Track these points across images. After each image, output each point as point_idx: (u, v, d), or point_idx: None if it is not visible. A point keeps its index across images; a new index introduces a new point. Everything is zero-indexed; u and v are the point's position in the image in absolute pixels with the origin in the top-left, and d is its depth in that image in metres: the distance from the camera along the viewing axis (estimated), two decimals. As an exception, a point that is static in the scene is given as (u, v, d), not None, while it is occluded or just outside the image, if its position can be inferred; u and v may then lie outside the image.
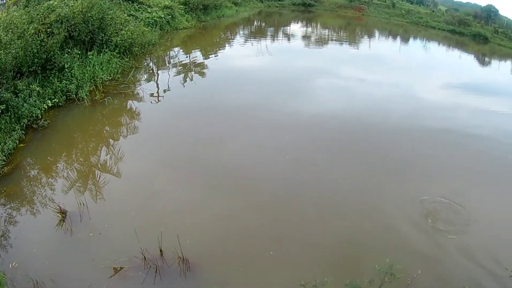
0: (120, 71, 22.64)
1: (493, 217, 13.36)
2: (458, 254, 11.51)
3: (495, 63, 45.99)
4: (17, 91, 16.88)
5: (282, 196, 13.46)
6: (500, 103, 27.27)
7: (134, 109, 19.14)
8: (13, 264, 10.28)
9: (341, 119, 20.08)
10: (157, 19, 32.27)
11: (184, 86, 23.24)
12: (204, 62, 27.91)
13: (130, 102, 19.92)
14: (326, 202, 13.37)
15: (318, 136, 18.01)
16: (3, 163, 13.81)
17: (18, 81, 17.32)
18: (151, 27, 30.15)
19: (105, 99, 19.30)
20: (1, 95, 15.82)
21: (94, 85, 20.03)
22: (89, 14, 22.04)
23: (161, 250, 10.64)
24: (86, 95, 19.01)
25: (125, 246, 10.77)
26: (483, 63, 45.13)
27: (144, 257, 10.40)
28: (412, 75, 32.51)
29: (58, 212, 11.73)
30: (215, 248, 11.09)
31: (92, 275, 10.13)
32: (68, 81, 19.30)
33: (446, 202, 13.79)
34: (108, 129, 17.52)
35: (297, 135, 17.79)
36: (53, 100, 18.24)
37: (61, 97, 18.72)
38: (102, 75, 20.81)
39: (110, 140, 16.47)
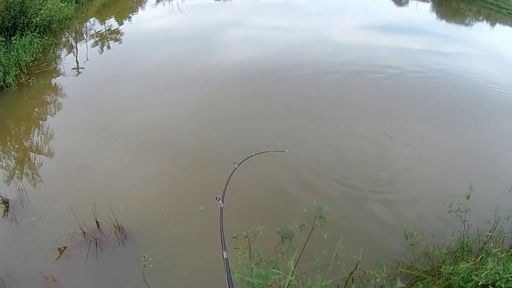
0: (41, 50, 20.93)
1: (425, 153, 13.45)
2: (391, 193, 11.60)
3: (412, 3, 44.59)
4: None
5: (204, 149, 12.93)
6: (418, 41, 27.04)
7: (58, 85, 17.85)
8: None
9: (256, 67, 19.56)
10: (73, -8, 29.97)
11: (101, 55, 21.85)
12: (119, 28, 26.36)
13: (53, 79, 18.53)
14: (245, 148, 12.90)
15: (234, 86, 17.48)
16: None
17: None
18: (67, 2, 28.04)
19: (30, 80, 17.78)
20: None
21: (19, 68, 18.43)
22: (10, 0, 20.17)
23: (97, 222, 10.02)
24: (13, 80, 17.47)
25: (65, 224, 10.02)
26: (400, 3, 43.88)
27: (83, 232, 9.77)
28: (326, 19, 31.62)
29: (0, 203, 10.78)
30: (147, 211, 10.58)
31: (41, 260, 9.42)
32: (-5, 68, 17.55)
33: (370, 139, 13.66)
34: (36, 110, 16.25)
35: (213, 88, 17.16)
36: (-20, 91, 16.59)
37: (-11, 85, 16.99)
38: (25, 57, 19.15)
39: (39, 121, 15.27)
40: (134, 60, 20.47)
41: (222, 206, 6.10)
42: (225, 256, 5.01)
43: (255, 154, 8.75)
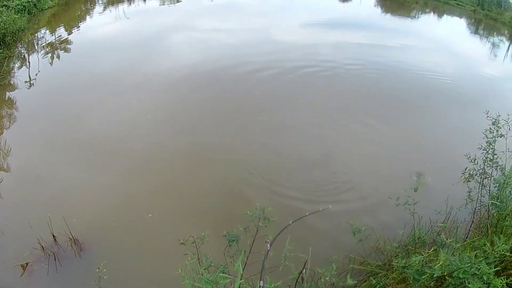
0: (-6, 63, 20.18)
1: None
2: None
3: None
4: None
5: (151, 154, 13.00)
6: (361, 36, 26.77)
7: (12, 99, 17.35)
8: None
9: (199, 70, 19.52)
10: (25, 4, 28.86)
11: (52, 66, 21.27)
12: (68, 37, 25.66)
13: (7, 93, 17.98)
14: (192, 152, 13.05)
15: (177, 91, 17.48)
16: None
17: None
18: (21, 13, 27.06)
19: (-17, 95, 17.28)
20: None
21: (-28, 85, 17.87)
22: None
23: (53, 236, 9.85)
24: (-34, 97, 16.97)
25: (25, 240, 9.81)
26: (343, -1, 41.76)
27: (42, 246, 9.59)
28: (270, 19, 31.14)
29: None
30: (100, 221, 10.49)
31: (7, 278, 9.18)
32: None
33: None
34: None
35: (156, 94, 17.14)
36: None
37: None
38: (-21, 72, 18.58)
39: None
40: (83, 69, 20.10)
41: (269, 249, 6.07)
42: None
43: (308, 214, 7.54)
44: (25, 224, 9.95)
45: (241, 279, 5.72)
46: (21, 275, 9.20)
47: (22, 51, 24.11)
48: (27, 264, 9.36)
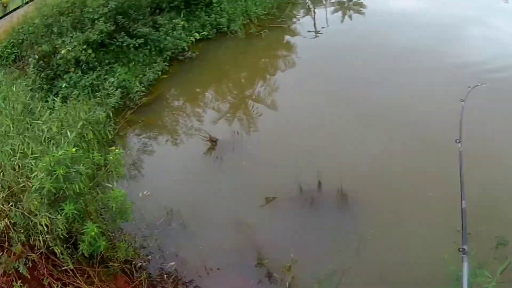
0: (275, 6, 22.78)
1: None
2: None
3: None
4: (158, 26, 18.14)
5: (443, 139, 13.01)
6: None
7: (291, 43, 19.35)
8: (145, 192, 11.37)
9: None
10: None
11: (342, 24, 22.79)
12: (362, 1, 27.03)
13: (287, 36, 20.20)
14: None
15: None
16: (142, 93, 14.85)
17: (158, 16, 18.63)
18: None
19: (262, 32, 19.69)
20: (138, 30, 17.10)
21: (248, 19, 20.62)
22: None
23: (319, 182, 11.10)
24: (240, 28, 19.62)
25: (280, 177, 11.43)
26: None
27: (301, 188, 10.97)
28: None
29: (207, 140, 12.60)
30: (374, 184, 11.31)
31: (241, 203, 11.00)
32: (218, 15, 20.13)
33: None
34: (263, 61, 18.04)
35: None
36: (201, 33, 19.29)
37: (210, 30, 19.69)
38: (256, 9, 21.03)
39: (265, 72, 17.04)
40: (375, 38, 20.78)
41: (460, 149, 6.37)
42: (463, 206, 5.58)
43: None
44: (284, 163, 11.72)
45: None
46: (262, 205, 10.92)
47: (307, 1, 26.22)
48: (273, 198, 11.06)
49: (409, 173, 11.65)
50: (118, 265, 10.04)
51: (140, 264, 10.36)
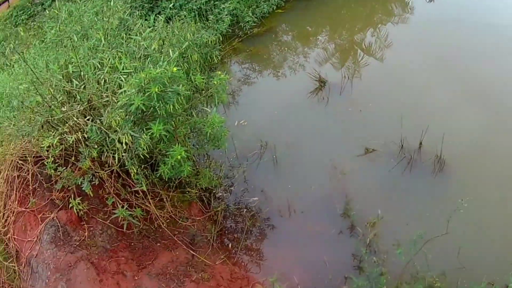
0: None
1: None
2: None
3: None
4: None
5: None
6: None
7: (407, 1, 18.06)
8: (242, 122, 11.35)
9: None
10: None
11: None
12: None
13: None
14: None
15: None
16: (254, 24, 14.41)
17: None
18: None
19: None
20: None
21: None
22: None
23: (420, 143, 10.73)
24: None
25: (383, 130, 11.13)
26: None
27: (402, 145, 10.66)
28: None
29: (317, 80, 12.27)
30: (474, 155, 10.74)
31: (339, 149, 10.79)
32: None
33: None
34: (378, 14, 17.20)
35: None
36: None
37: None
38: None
39: (378, 25, 16.27)
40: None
41: None
42: None
43: None
44: (390, 117, 11.32)
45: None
46: (360, 155, 10.75)
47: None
48: (373, 150, 10.85)
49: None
50: (196, 192, 10.00)
51: (221, 194, 10.39)
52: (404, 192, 10.23)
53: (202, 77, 9.16)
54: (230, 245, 9.98)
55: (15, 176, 10.09)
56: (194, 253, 9.45)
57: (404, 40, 15.14)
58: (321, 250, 9.52)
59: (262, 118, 11.80)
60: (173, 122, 8.71)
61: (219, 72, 9.39)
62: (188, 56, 9.74)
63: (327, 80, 12.34)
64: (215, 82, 9.03)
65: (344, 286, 8.90)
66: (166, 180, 9.12)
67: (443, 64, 13.97)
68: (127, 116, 8.35)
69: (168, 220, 9.63)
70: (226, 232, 10.22)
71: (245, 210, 10.28)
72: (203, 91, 9.53)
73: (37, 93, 9.18)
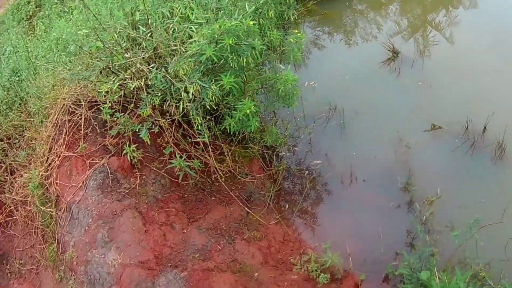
0: None
1: None
2: None
3: None
4: None
5: None
6: None
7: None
8: (312, 83, 11.09)
9: None
10: None
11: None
12: None
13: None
14: None
15: None
16: None
17: None
18: None
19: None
20: None
21: None
22: None
23: (485, 128, 10.51)
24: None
25: (450, 109, 10.97)
26: None
27: (467, 127, 10.49)
28: None
29: (390, 50, 12.14)
30: None
31: (406, 122, 10.67)
32: None
33: None
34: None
35: None
36: None
37: None
38: None
39: (449, 4, 15.51)
40: None
41: None
42: None
43: None
44: (458, 97, 11.23)
45: None
46: (426, 130, 10.62)
47: None
48: (439, 127, 10.71)
49: None
50: (259, 149, 9.95)
51: (284, 153, 10.37)
52: (463, 175, 10.08)
53: (278, 34, 8.96)
54: (286, 206, 9.89)
55: (65, 120, 9.99)
56: (249, 211, 9.38)
57: (476, 23, 14.63)
58: (377, 222, 9.38)
59: (332, 82, 11.69)
60: (244, 76, 8.54)
61: (296, 31, 9.26)
62: (263, 12, 9.52)
63: (400, 51, 12.21)
64: (292, 40, 8.88)
65: (394, 262, 8.75)
66: (230, 133, 9.01)
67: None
68: (196, 66, 8.14)
69: (226, 175, 9.52)
70: (284, 193, 10.16)
71: (306, 172, 10.19)
72: (277, 48, 9.31)
73: (98, 39, 9.01)
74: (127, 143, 9.09)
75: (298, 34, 9.05)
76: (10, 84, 12.92)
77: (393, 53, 12.17)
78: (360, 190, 9.97)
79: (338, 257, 8.39)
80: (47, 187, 9.99)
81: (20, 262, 10.32)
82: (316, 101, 11.10)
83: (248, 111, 8.12)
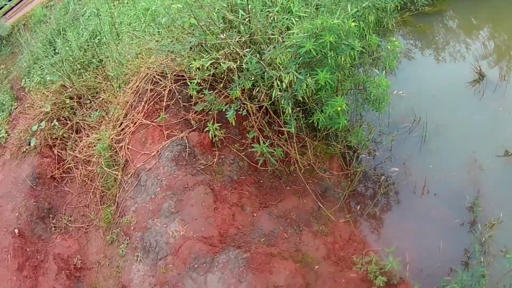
0: None
1: None
2: None
3: None
4: None
5: None
6: None
7: None
8: (400, 92, 11.13)
9: None
10: None
11: None
12: None
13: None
14: None
15: None
16: (426, 2, 14.13)
17: None
18: None
19: None
20: None
21: None
22: None
23: None
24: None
25: None
26: None
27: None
28: None
29: (476, 72, 12.01)
30: None
31: (481, 144, 10.53)
32: None
33: None
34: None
35: None
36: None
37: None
38: None
39: None
40: None
41: None
42: None
43: None
44: None
45: None
46: (499, 156, 10.40)
47: None
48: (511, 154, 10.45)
49: None
50: (341, 148, 10.05)
51: (364, 156, 10.39)
52: None
53: (378, 39, 9.15)
54: (358, 208, 10.03)
55: (147, 89, 10.26)
56: (321, 205, 9.49)
57: None
58: (439, 236, 9.42)
59: (419, 94, 11.64)
60: (339, 74, 8.73)
61: (394, 39, 9.41)
62: (364, 15, 9.63)
63: (486, 75, 12.13)
64: (389, 47, 9.06)
65: (448, 277, 8.80)
66: (315, 128, 9.26)
67: None
68: (293, 57, 8.34)
69: (305, 168, 9.67)
70: (357, 194, 10.27)
71: (382, 177, 10.24)
72: (373, 53, 9.53)
73: (191, 15, 9.16)
74: (211, 121, 9.26)
75: (396, 42, 9.20)
76: (88, 45, 13.22)
77: (480, 75, 12.09)
78: (430, 203, 9.99)
79: (398, 263, 8.49)
80: (116, 151, 10.26)
81: (70, 218, 10.60)
82: (401, 111, 11.14)
83: (339, 108, 8.28)
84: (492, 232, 9.32)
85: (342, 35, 8.07)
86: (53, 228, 10.58)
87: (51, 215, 10.72)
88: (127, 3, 13.62)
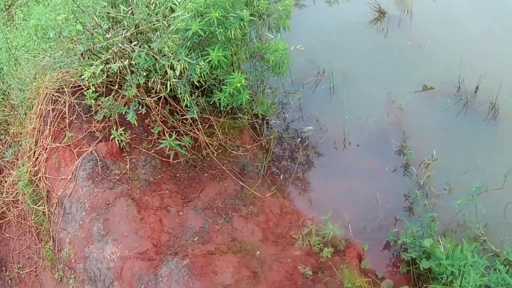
0: None
1: None
2: None
3: None
4: None
5: None
6: None
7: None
8: (298, 47, 10.60)
9: None
10: None
11: None
12: None
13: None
14: None
15: None
16: None
17: None
18: None
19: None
20: None
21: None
22: None
23: (477, 88, 10.44)
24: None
25: (441, 69, 10.89)
26: None
27: (459, 87, 10.45)
28: None
29: (376, 10, 11.98)
30: None
31: (397, 83, 10.61)
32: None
33: None
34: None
35: None
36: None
37: None
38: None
39: None
40: None
41: None
42: None
43: None
44: (450, 57, 10.98)
45: None
46: (417, 91, 10.59)
47: None
48: (431, 88, 10.67)
49: None
50: (249, 119, 9.70)
51: (274, 121, 10.19)
52: (458, 136, 10.06)
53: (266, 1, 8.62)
54: (281, 177, 9.68)
55: (49, 110, 9.60)
56: (243, 184, 9.11)
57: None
58: (374, 187, 9.34)
59: (319, 44, 11.40)
60: (231, 48, 8.17)
61: (282, -3, 8.89)
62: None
63: (386, 11, 12.02)
64: (280, 8, 8.64)
65: (395, 228, 8.68)
66: (214, 105, 8.81)
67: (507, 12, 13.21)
68: (181, 42, 7.78)
69: (217, 149, 9.31)
70: (277, 163, 9.95)
71: (299, 139, 10.08)
72: (264, 16, 8.97)
73: (77, 22, 8.55)
74: (114, 127, 8.78)
75: (287, 1, 8.80)
76: (-10, 80, 12.54)
77: (380, 13, 12.00)
78: (354, 155, 9.84)
79: (338, 227, 8.20)
80: (36, 183, 9.65)
81: (19, 265, 10.02)
82: (303, 65, 10.83)
83: (239, 84, 7.82)
84: (429, 172, 9.22)
85: (229, 7, 7.53)
86: (9, 281, 10.07)
87: (3, 268, 10.22)
88: (19, 24, 13.05)
